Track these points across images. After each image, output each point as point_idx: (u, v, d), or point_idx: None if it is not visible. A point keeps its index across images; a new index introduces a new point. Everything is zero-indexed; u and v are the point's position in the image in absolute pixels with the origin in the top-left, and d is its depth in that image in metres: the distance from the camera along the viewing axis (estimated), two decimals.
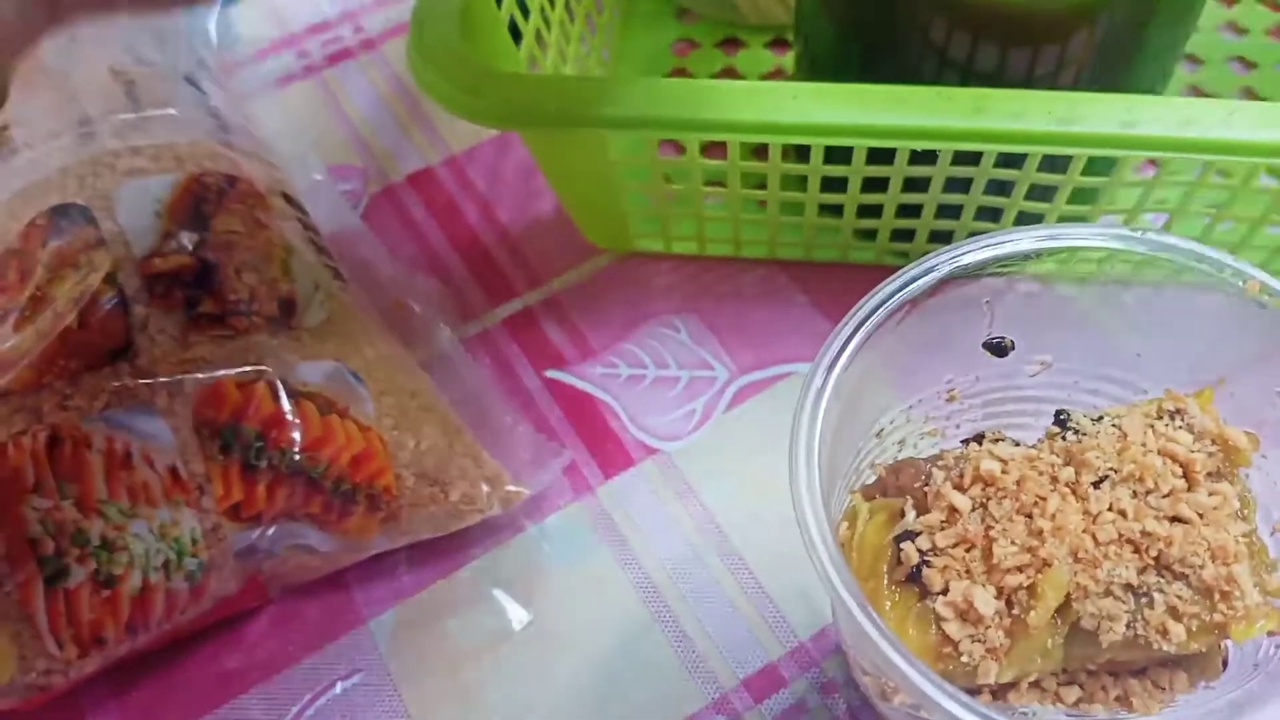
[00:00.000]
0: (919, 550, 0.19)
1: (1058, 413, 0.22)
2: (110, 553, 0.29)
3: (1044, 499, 0.19)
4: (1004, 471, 0.19)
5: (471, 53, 0.33)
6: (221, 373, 0.31)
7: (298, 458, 0.31)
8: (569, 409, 0.38)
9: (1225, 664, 0.20)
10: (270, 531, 0.31)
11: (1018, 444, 0.21)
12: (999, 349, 0.23)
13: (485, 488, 0.34)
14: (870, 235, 0.38)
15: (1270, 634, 0.19)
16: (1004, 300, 0.23)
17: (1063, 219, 0.36)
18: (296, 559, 0.33)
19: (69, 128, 0.36)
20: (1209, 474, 0.19)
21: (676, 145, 0.45)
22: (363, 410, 0.33)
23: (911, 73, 0.33)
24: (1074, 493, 0.19)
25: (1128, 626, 0.18)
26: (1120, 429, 0.20)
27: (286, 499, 0.31)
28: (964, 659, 0.18)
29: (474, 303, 0.42)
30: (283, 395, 0.31)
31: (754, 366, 0.39)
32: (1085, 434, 0.20)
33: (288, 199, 0.38)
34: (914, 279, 0.21)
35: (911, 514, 0.20)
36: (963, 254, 0.21)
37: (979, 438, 0.22)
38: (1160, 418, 0.20)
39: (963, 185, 0.34)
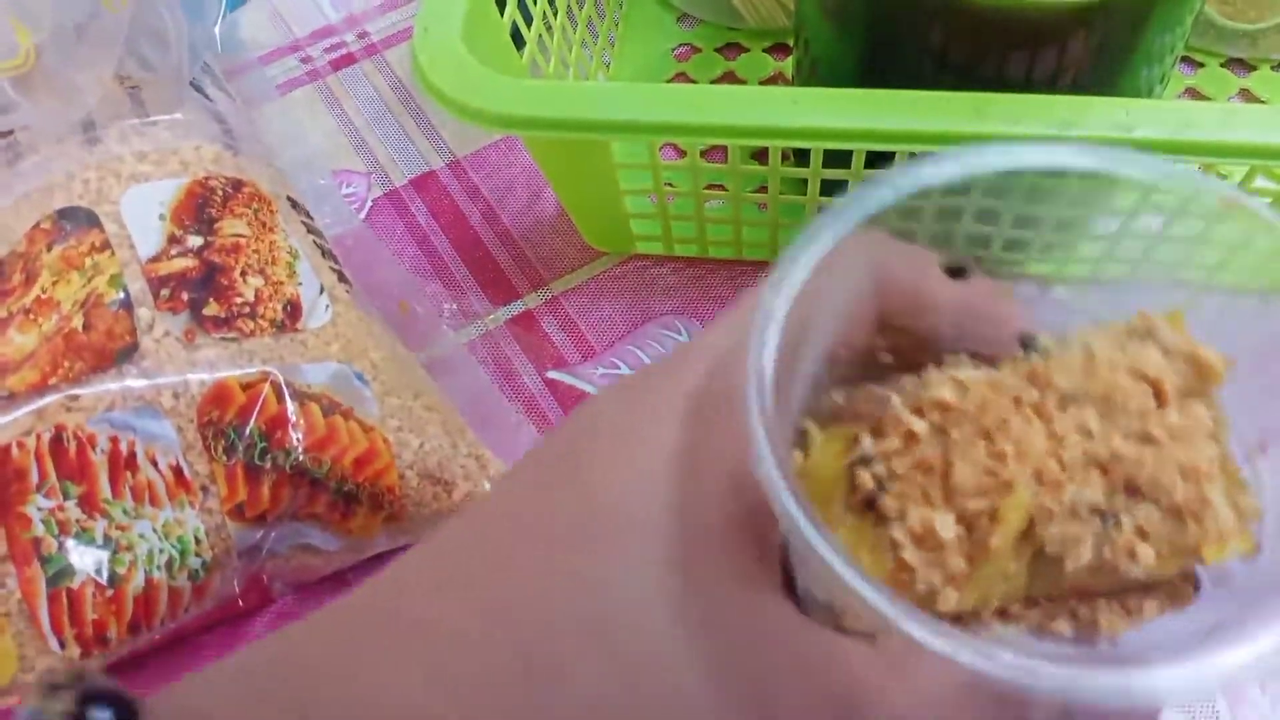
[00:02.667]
0: (875, 476, 0.18)
1: (1023, 336, 0.21)
2: (114, 552, 0.30)
3: (1006, 421, 0.18)
4: (965, 395, 0.18)
5: (475, 58, 0.33)
6: (226, 374, 0.31)
7: (301, 458, 0.31)
8: (570, 409, 0.39)
9: (1198, 588, 0.20)
10: (274, 531, 0.31)
11: (979, 367, 0.20)
12: (958, 271, 0.22)
13: (488, 487, 0.34)
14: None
15: (1243, 557, 0.18)
16: (962, 222, 0.22)
17: (1059, 222, 0.36)
18: (300, 559, 0.33)
19: (74, 132, 0.36)
20: (1180, 393, 0.18)
21: (677, 149, 0.45)
22: (367, 411, 0.33)
23: (911, 77, 0.33)
24: (1039, 414, 0.18)
25: (1094, 551, 0.17)
26: (1088, 349, 0.19)
27: (290, 499, 0.31)
28: (922, 586, 0.17)
29: (476, 304, 0.42)
30: (287, 397, 0.32)
31: None
32: (1051, 355, 0.19)
33: (293, 203, 0.38)
34: (867, 198, 0.20)
35: (868, 440, 0.19)
36: (929, 168, 0.20)
37: (939, 362, 0.20)
38: (1131, 337, 0.19)
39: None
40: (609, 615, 0.18)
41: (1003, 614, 0.19)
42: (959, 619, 0.19)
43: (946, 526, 0.17)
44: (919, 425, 0.18)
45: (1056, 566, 0.18)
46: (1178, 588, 0.19)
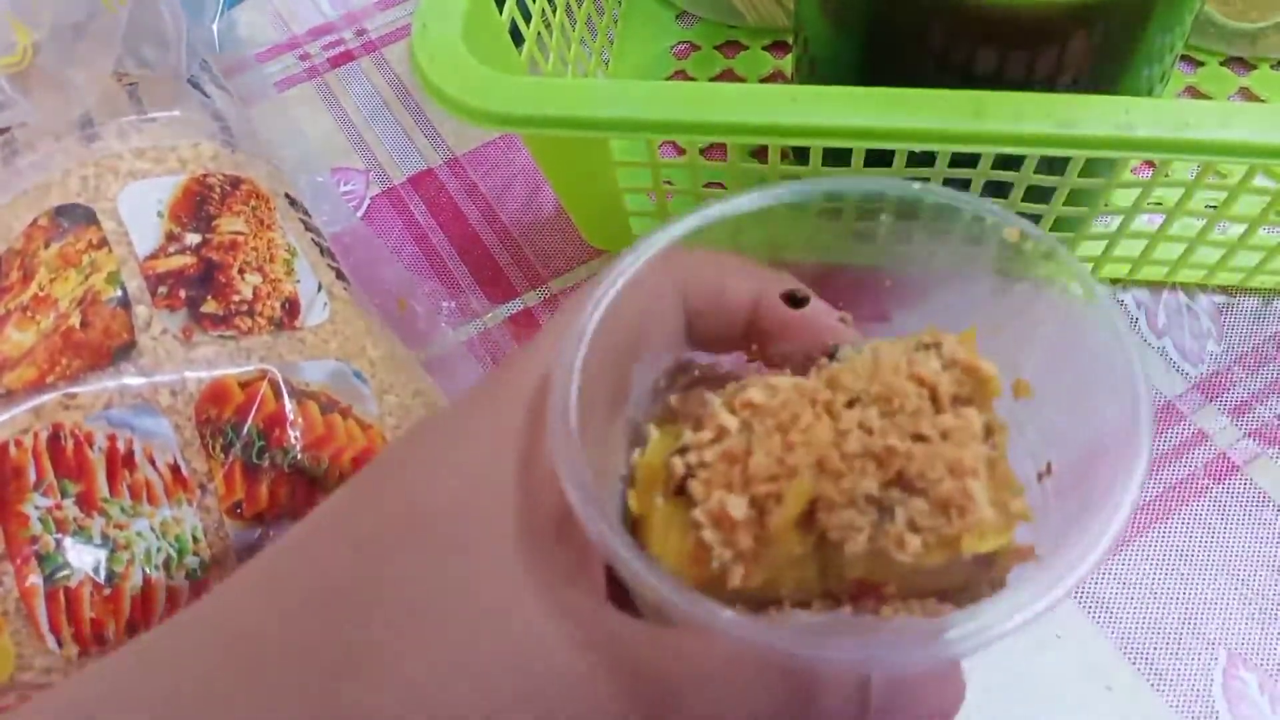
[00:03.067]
0: (686, 464, 0.20)
1: (828, 346, 0.23)
2: (112, 551, 0.30)
3: (799, 417, 0.20)
4: (774, 396, 0.20)
5: (473, 56, 0.33)
6: (224, 372, 0.31)
7: (300, 457, 0.31)
8: None
9: (995, 587, 0.21)
10: (272, 530, 0.31)
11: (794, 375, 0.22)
12: (796, 300, 0.24)
13: None
14: (862, 239, 0.38)
15: (1020, 562, 0.20)
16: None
17: (1060, 220, 0.36)
18: None
19: (72, 129, 0.36)
20: (955, 399, 0.20)
21: (676, 147, 0.45)
22: (365, 409, 0.33)
23: (910, 75, 0.33)
24: (828, 412, 0.20)
25: (870, 539, 0.19)
26: (876, 355, 0.21)
27: (289, 498, 0.31)
28: (715, 564, 0.19)
29: (475, 303, 0.42)
30: (285, 395, 0.32)
31: None
32: (844, 361, 0.22)
33: (291, 200, 0.38)
34: (675, 228, 0.22)
35: (689, 434, 0.20)
36: (736, 200, 0.23)
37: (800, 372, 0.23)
38: (918, 349, 0.21)
39: (961, 187, 0.34)
40: (421, 609, 0.19)
41: (807, 607, 0.20)
42: (763, 607, 0.20)
43: (738, 507, 0.19)
44: (729, 420, 0.20)
45: (840, 553, 0.19)
46: (970, 597, 0.21)
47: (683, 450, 0.20)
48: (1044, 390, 0.22)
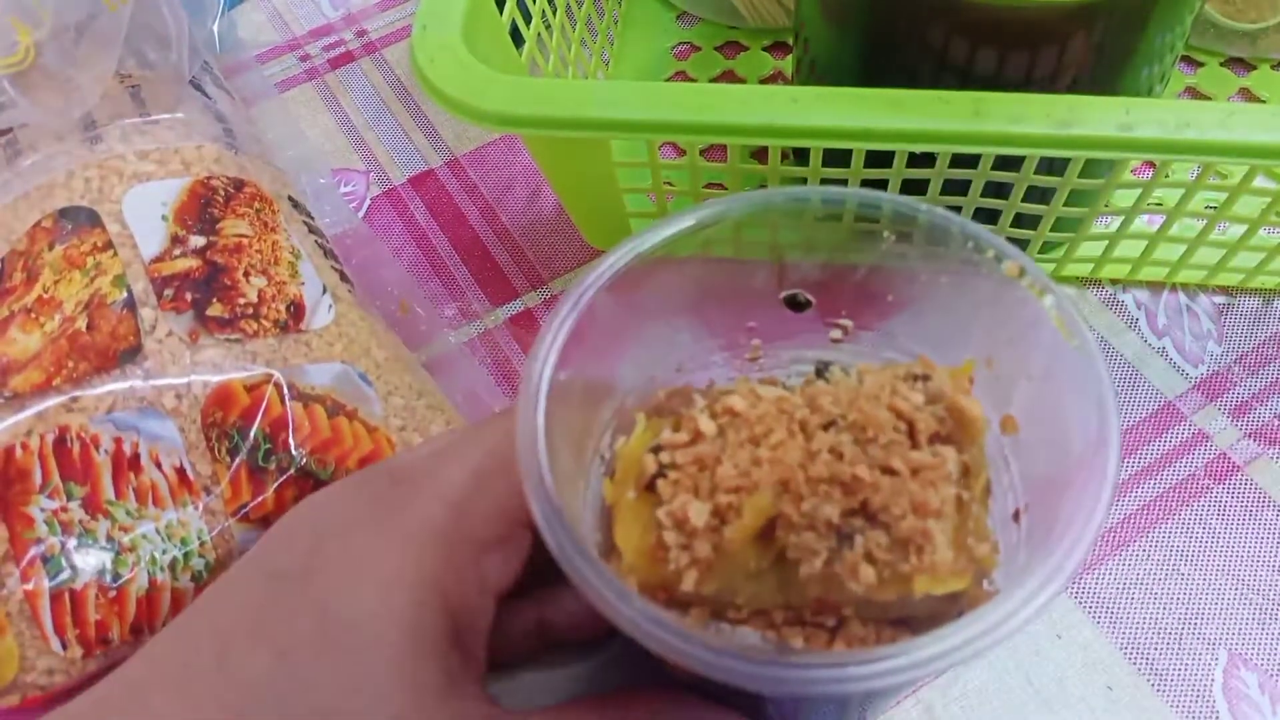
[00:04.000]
0: (659, 462, 0.20)
1: (818, 363, 0.23)
2: (117, 553, 0.30)
3: (772, 432, 0.20)
4: (755, 405, 0.20)
5: (474, 56, 0.33)
6: (230, 376, 0.31)
7: (306, 461, 0.31)
8: None
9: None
10: None
11: (780, 387, 0.22)
12: (797, 303, 0.24)
13: None
14: (861, 254, 0.39)
15: (958, 597, 0.20)
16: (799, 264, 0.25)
17: (1060, 221, 0.36)
18: None
19: (74, 131, 0.36)
20: (934, 436, 0.20)
21: (677, 148, 0.45)
22: (370, 411, 0.33)
23: (910, 76, 0.33)
24: (804, 431, 0.20)
25: (826, 563, 0.19)
26: (859, 381, 0.21)
27: (294, 500, 0.31)
28: (671, 565, 0.19)
29: (475, 304, 0.42)
30: (291, 399, 0.32)
31: None
32: (832, 382, 0.21)
33: (294, 202, 0.38)
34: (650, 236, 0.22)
35: (667, 431, 0.20)
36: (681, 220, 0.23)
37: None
38: (906, 380, 0.21)
39: (961, 187, 0.34)
40: (339, 715, 0.21)
41: (764, 616, 0.20)
42: (722, 610, 0.20)
43: (700, 514, 0.19)
44: (707, 425, 0.20)
45: (796, 572, 0.19)
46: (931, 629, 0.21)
47: (658, 448, 0.20)
48: (1029, 427, 0.22)
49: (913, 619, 0.20)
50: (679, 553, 0.19)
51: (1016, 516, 0.22)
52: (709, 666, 0.17)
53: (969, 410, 0.20)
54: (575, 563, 0.18)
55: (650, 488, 0.20)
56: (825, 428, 0.20)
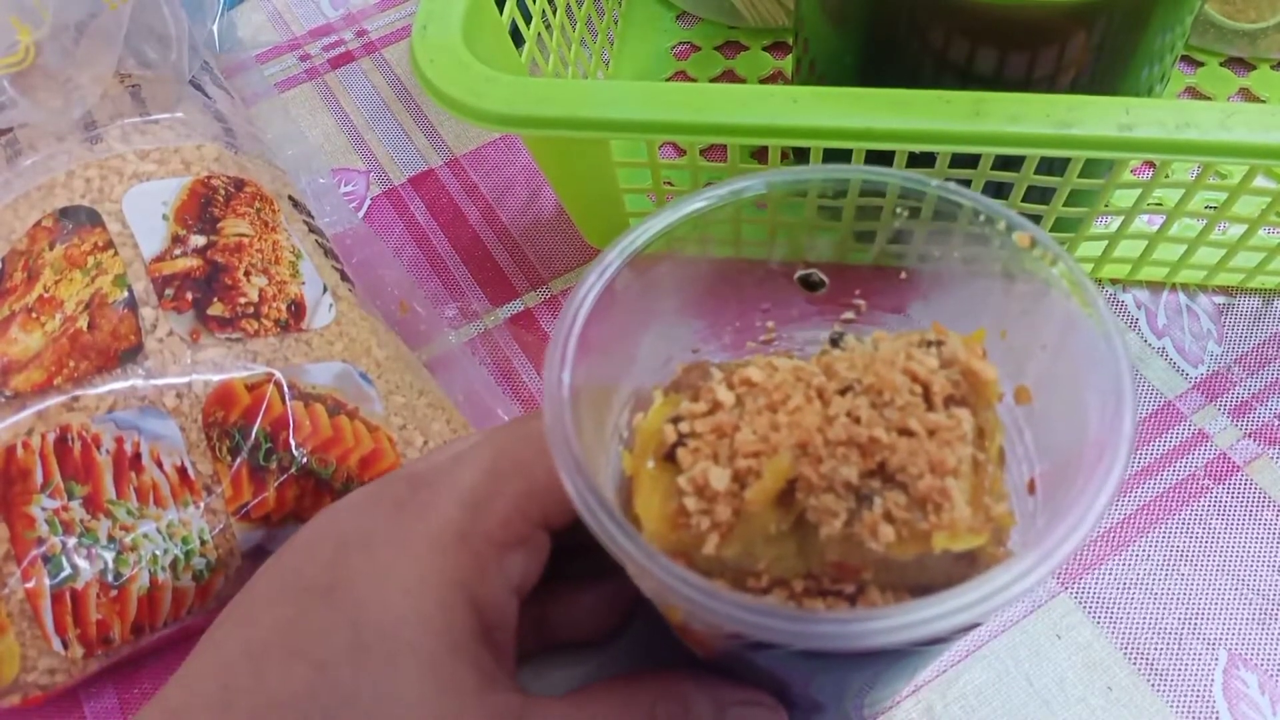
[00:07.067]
0: (678, 432, 0.20)
1: (832, 334, 0.24)
2: (118, 553, 0.30)
3: (790, 398, 0.20)
4: (772, 376, 0.21)
5: (474, 56, 0.33)
6: (231, 375, 0.31)
7: (307, 460, 0.31)
8: None
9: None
10: (279, 532, 0.32)
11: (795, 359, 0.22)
12: (811, 283, 0.25)
13: None
14: (869, 237, 0.39)
15: (975, 562, 0.20)
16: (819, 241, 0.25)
17: (1060, 220, 0.36)
18: None
19: (74, 130, 0.36)
20: (950, 398, 0.20)
21: (677, 148, 0.45)
22: (371, 410, 0.33)
23: (910, 76, 0.33)
24: (820, 397, 0.20)
25: (846, 524, 0.19)
26: (875, 347, 0.21)
27: (295, 500, 0.31)
28: (692, 530, 0.19)
29: (475, 304, 0.42)
30: (292, 398, 0.32)
31: None
32: (846, 350, 0.22)
33: (294, 202, 0.38)
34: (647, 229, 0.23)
35: (685, 403, 0.21)
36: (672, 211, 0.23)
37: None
38: (920, 345, 0.21)
39: (961, 187, 0.34)
40: None
41: (785, 585, 0.21)
42: (741, 578, 0.21)
43: (720, 479, 0.19)
44: (725, 395, 0.21)
45: (816, 535, 0.20)
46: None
47: (677, 419, 0.21)
48: (1043, 397, 0.22)
49: (930, 587, 0.21)
50: (700, 517, 0.19)
51: (1031, 486, 0.23)
52: (745, 623, 0.17)
53: (983, 373, 0.20)
54: (608, 528, 0.19)
55: (670, 457, 0.20)
56: (842, 393, 0.20)
